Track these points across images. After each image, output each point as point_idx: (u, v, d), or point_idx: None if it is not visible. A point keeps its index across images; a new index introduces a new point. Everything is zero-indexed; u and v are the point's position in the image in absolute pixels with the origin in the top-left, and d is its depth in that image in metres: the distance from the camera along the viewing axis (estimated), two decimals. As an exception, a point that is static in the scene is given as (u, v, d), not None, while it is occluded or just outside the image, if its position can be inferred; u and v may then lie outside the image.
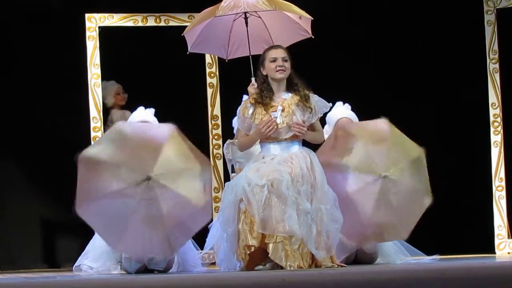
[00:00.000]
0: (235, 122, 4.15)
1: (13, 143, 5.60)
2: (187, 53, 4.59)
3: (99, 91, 5.30)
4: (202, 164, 3.90)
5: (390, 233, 4.12)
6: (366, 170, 3.98)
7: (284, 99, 3.77)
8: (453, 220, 5.49)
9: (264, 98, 3.74)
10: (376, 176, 3.92)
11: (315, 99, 3.83)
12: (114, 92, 5.65)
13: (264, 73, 3.75)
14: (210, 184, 4.21)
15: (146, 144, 3.83)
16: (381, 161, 3.99)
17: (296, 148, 3.84)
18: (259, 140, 3.97)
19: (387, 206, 3.98)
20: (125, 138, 3.85)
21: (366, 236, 4.04)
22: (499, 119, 5.18)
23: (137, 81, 5.59)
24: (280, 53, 3.75)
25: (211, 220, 4.12)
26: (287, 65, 3.74)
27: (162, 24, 5.37)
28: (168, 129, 3.90)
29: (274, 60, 3.71)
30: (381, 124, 4.09)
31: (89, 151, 3.94)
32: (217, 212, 4.44)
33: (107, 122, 5.53)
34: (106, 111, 5.58)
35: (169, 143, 3.85)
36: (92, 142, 5.17)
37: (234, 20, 4.44)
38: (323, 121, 4.29)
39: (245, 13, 4.31)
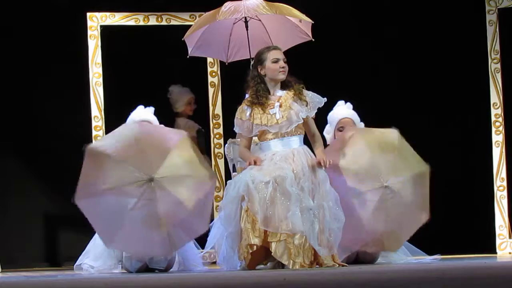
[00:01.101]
0: (236, 117, 4.08)
1: (15, 141, 5.62)
2: (187, 57, 4.61)
3: (100, 89, 5.29)
4: (207, 174, 3.96)
5: (392, 241, 4.15)
6: (369, 177, 3.99)
7: (280, 96, 3.80)
8: (454, 220, 5.49)
9: (260, 98, 3.77)
10: (378, 184, 3.94)
11: (309, 94, 3.86)
12: (187, 101, 5.68)
13: (263, 72, 3.76)
14: (213, 194, 4.26)
15: (154, 146, 3.87)
16: (385, 170, 4.01)
17: (297, 143, 3.84)
18: (257, 140, 4.01)
19: (384, 215, 4.01)
20: (135, 137, 3.88)
21: (366, 242, 4.05)
22: (500, 119, 5.17)
23: (138, 79, 5.55)
24: (281, 54, 3.79)
25: (212, 219, 4.13)
26: (287, 66, 3.78)
27: (164, 23, 5.36)
28: (179, 135, 3.99)
29: (277, 61, 3.73)
30: (392, 135, 4.12)
31: (97, 144, 4.13)
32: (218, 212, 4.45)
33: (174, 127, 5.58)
34: (175, 114, 5.68)
35: (178, 148, 3.89)
36: (94, 141, 5.12)
37: (234, 24, 4.48)
38: (324, 121, 4.31)
39: (245, 17, 4.34)
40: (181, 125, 5.58)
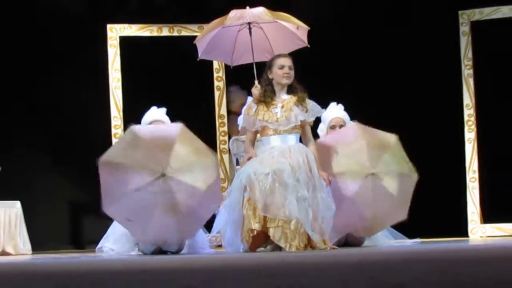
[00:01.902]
0: (240, 120, 4.40)
1: (45, 136, 5.93)
2: (198, 59, 4.83)
3: (119, 92, 5.60)
4: (211, 157, 4.11)
5: (378, 225, 4.35)
6: (358, 167, 4.20)
7: (284, 99, 3.95)
8: (432, 208, 5.62)
9: (267, 98, 3.94)
10: (367, 171, 4.14)
11: (310, 103, 4.02)
12: (242, 102, 5.71)
13: (271, 77, 3.96)
14: (218, 173, 4.38)
15: (157, 143, 4.01)
16: (375, 160, 4.24)
17: (293, 140, 4.02)
18: (259, 135, 4.20)
19: (372, 203, 4.22)
20: (138, 140, 4.02)
21: (357, 228, 4.29)
22: (473, 118, 5.49)
23: (152, 84, 5.85)
24: (287, 62, 3.97)
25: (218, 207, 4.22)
26: (292, 72, 3.95)
27: (175, 34, 5.62)
28: (176, 127, 4.13)
29: (282, 67, 3.92)
30: (390, 137, 4.36)
31: (107, 156, 4.14)
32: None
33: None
34: (228, 111, 5.86)
35: (179, 140, 4.03)
36: (113, 138, 5.47)
37: (238, 31, 4.65)
38: (317, 120, 4.47)
39: (249, 23, 4.52)
40: (233, 122, 5.72)
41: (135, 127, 4.30)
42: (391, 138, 4.22)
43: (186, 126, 4.26)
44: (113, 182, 4.07)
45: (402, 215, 4.24)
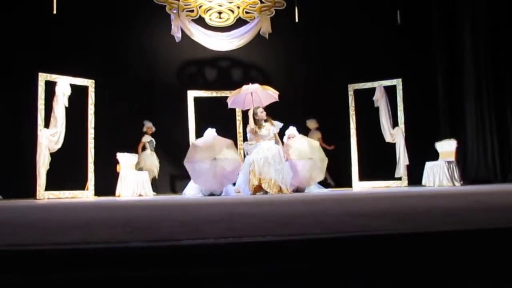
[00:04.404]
0: (248, 132, 6.17)
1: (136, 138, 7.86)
2: (228, 107, 6.70)
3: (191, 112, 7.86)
4: (235, 150, 5.89)
5: (311, 182, 6.43)
6: (304, 155, 6.21)
7: (265, 125, 5.88)
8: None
9: (258, 125, 5.89)
10: (308, 157, 6.20)
11: (276, 123, 5.96)
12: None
13: (257, 117, 5.89)
14: (239, 157, 5.96)
15: (218, 144, 5.85)
16: (310, 153, 6.21)
17: (272, 143, 5.84)
18: (255, 142, 5.80)
19: (310, 170, 6.24)
20: (212, 140, 5.96)
21: (301, 184, 6.30)
22: (354, 133, 8.19)
23: (211, 119, 7.39)
24: (261, 108, 5.92)
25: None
26: (264, 112, 5.85)
27: (219, 95, 8.17)
28: (228, 141, 5.97)
29: (261, 112, 5.92)
30: (316, 142, 6.50)
31: (195, 141, 6.01)
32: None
33: None
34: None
35: (227, 146, 5.88)
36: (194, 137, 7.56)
37: (246, 95, 6.42)
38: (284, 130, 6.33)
39: (251, 92, 6.35)
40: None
41: (194, 141, 6.05)
42: (316, 142, 6.55)
43: (223, 136, 6.15)
44: (192, 153, 5.70)
45: (321, 177, 6.48)
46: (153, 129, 8.14)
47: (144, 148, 8.14)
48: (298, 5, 7.78)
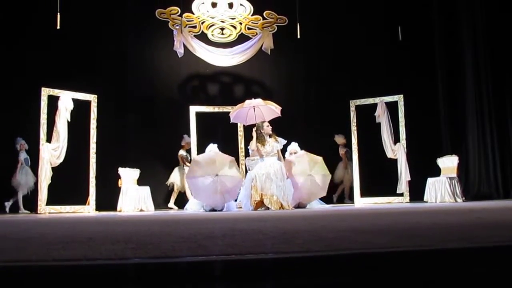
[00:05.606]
0: (250, 148, 6.59)
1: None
2: (230, 122, 7.01)
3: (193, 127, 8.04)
4: (236, 166, 5.93)
5: (312, 198, 6.39)
6: (303, 172, 6.16)
7: (269, 140, 5.88)
8: (334, 190, 8.00)
9: (262, 140, 5.89)
10: (308, 173, 6.15)
11: (280, 140, 5.96)
12: (188, 142, 7.93)
13: (262, 131, 5.92)
14: (240, 174, 6.08)
15: (219, 161, 5.90)
16: (310, 169, 6.13)
17: (275, 159, 5.88)
18: (259, 157, 5.88)
19: (310, 187, 6.17)
20: (213, 156, 6.01)
21: (302, 200, 6.24)
22: (356, 148, 8.20)
23: (212, 134, 7.68)
24: (267, 123, 6.01)
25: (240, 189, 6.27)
26: (270, 127, 5.93)
27: (221, 110, 8.22)
28: (230, 158, 6.03)
29: (267, 126, 5.94)
30: (318, 158, 6.27)
31: (197, 157, 6.20)
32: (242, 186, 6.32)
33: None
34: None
35: (229, 162, 5.93)
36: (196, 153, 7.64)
37: (248, 109, 6.69)
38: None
39: (254, 106, 6.63)
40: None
41: (196, 157, 6.18)
42: (319, 158, 6.36)
43: (226, 153, 6.15)
44: (194, 168, 5.77)
45: (323, 193, 6.35)
46: (190, 145, 8.11)
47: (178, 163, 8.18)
48: (300, 22, 7.83)
